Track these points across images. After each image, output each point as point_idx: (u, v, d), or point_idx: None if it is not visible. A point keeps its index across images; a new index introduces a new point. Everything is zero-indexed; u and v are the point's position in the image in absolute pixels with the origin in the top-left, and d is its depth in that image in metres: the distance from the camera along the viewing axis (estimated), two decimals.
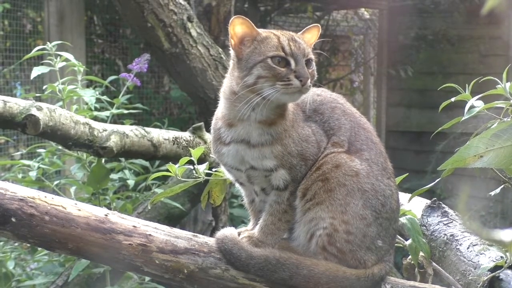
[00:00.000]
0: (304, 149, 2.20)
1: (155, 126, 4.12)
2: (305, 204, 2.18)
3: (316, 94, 2.33)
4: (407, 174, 2.64)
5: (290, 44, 2.13)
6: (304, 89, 2.12)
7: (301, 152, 2.19)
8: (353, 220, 2.13)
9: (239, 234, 2.28)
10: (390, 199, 2.20)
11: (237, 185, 2.43)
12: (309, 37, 2.25)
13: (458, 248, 2.51)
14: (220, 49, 4.61)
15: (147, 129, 3.77)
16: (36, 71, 3.59)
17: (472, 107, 2.32)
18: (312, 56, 2.19)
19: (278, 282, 2.16)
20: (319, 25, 2.27)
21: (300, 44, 2.15)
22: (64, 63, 3.67)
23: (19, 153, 4.55)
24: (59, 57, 3.66)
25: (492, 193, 2.47)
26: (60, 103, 3.62)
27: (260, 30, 2.20)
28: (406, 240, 2.51)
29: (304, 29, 2.26)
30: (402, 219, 2.43)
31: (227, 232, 2.25)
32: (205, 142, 3.89)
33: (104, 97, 3.85)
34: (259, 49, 2.14)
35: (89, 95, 3.68)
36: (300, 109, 2.27)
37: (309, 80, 2.11)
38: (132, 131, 3.62)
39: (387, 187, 2.21)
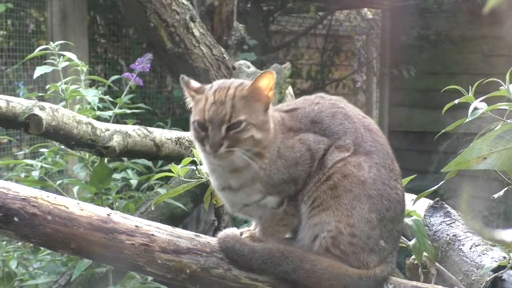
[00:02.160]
0: (292, 174, 2.17)
1: (158, 126, 4.12)
2: (312, 210, 2.17)
3: (314, 103, 2.28)
4: (415, 175, 2.62)
5: (211, 109, 2.09)
6: (217, 155, 2.08)
7: (289, 178, 2.17)
8: (359, 223, 2.13)
9: (241, 234, 2.28)
10: (395, 202, 2.19)
11: None
12: (266, 83, 2.15)
13: (461, 248, 2.50)
14: (222, 49, 4.61)
15: (149, 128, 3.77)
16: (39, 71, 3.59)
17: (475, 109, 2.32)
18: (238, 118, 2.08)
19: (281, 276, 2.16)
20: (273, 71, 2.17)
21: (223, 109, 2.08)
22: (67, 63, 3.67)
23: (22, 152, 4.55)
24: (62, 56, 3.65)
25: (496, 195, 2.47)
26: (63, 103, 3.62)
27: (201, 89, 2.19)
28: (409, 240, 2.50)
29: (258, 75, 2.15)
30: (407, 220, 2.42)
31: (229, 231, 2.26)
32: None
33: (107, 97, 3.85)
34: (194, 110, 2.17)
35: (92, 95, 3.68)
36: (294, 122, 2.22)
37: (221, 148, 2.06)
38: (135, 131, 3.62)
39: (393, 190, 2.19)
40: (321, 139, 2.20)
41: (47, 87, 3.79)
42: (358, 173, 2.14)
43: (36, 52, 3.64)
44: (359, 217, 2.12)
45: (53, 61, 3.65)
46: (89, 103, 3.72)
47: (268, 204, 2.21)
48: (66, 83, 3.65)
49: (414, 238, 2.46)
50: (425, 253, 2.45)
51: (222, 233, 2.26)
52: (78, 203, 2.22)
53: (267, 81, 2.13)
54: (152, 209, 3.79)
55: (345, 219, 2.12)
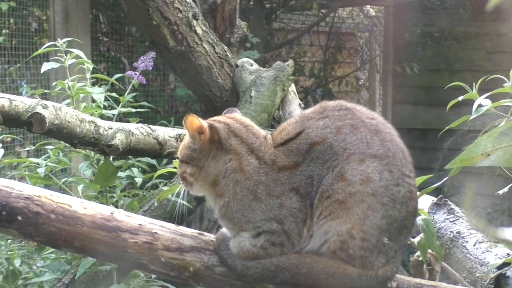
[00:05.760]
0: (276, 216, 2.12)
1: (161, 124, 4.11)
2: (320, 221, 2.13)
3: (322, 117, 2.19)
4: (431, 175, 2.56)
5: None
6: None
7: (270, 218, 2.13)
8: (371, 229, 2.08)
9: None
10: (408, 201, 2.13)
11: None
12: (189, 122, 2.25)
13: (465, 246, 2.50)
14: (225, 47, 4.60)
15: (152, 127, 3.76)
16: (46, 66, 3.58)
17: (479, 106, 2.31)
18: (179, 155, 2.24)
19: (280, 284, 2.15)
20: (193, 115, 2.25)
21: None
22: (73, 60, 3.65)
23: (25, 149, 4.54)
24: (69, 54, 3.64)
25: (500, 192, 2.46)
26: (67, 101, 3.62)
27: None
28: (413, 238, 2.49)
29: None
30: (417, 219, 2.37)
31: (220, 238, 2.24)
32: None
33: (113, 94, 3.84)
34: None
35: (98, 93, 3.67)
36: (287, 159, 2.16)
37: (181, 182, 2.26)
38: (138, 129, 3.62)
39: (406, 188, 2.12)
40: (310, 190, 2.13)
41: (53, 84, 3.78)
42: (365, 189, 2.07)
43: (42, 49, 3.62)
44: (371, 224, 2.08)
45: (60, 57, 3.63)
46: (94, 101, 3.71)
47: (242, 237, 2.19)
48: (72, 80, 3.64)
49: (419, 235, 2.45)
50: (430, 250, 2.44)
51: (219, 234, 2.25)
52: (82, 202, 2.22)
53: (190, 120, 2.22)
54: (155, 205, 3.78)
55: (358, 227, 2.08)
